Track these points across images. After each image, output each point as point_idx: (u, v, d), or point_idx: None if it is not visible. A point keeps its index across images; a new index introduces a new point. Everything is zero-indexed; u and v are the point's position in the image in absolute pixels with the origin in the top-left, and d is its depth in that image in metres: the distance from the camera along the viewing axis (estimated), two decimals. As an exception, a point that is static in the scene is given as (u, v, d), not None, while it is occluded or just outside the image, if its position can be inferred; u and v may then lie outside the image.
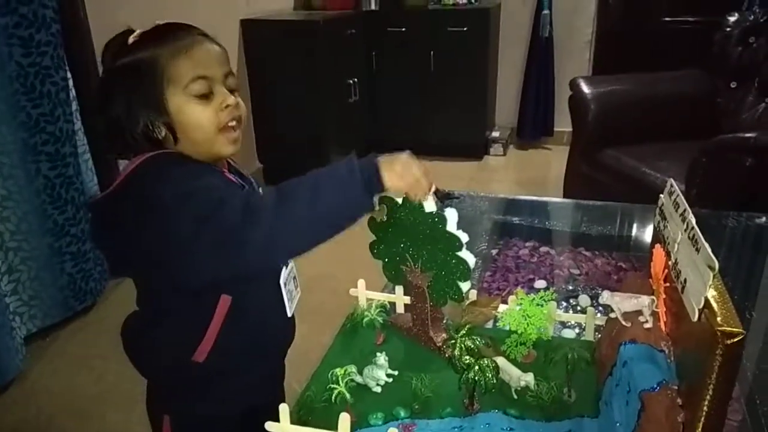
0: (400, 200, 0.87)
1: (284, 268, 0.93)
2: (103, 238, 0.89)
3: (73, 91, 2.02)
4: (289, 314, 0.94)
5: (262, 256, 0.74)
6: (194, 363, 0.85)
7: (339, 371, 0.81)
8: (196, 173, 0.80)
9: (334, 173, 0.76)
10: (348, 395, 0.79)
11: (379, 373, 0.84)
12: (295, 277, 0.97)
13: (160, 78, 0.79)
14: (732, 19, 2.67)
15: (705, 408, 0.57)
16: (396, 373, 0.86)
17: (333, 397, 0.78)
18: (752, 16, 2.66)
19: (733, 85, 2.63)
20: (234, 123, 0.84)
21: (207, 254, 0.73)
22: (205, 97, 0.81)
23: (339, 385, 0.79)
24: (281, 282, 0.91)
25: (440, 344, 0.90)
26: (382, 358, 0.86)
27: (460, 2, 3.75)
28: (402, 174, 0.78)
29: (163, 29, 0.83)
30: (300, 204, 0.73)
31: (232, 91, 0.84)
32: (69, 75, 1.99)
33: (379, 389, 0.84)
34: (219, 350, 0.85)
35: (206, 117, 0.81)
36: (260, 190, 0.94)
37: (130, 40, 0.83)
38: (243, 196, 0.80)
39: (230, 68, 0.86)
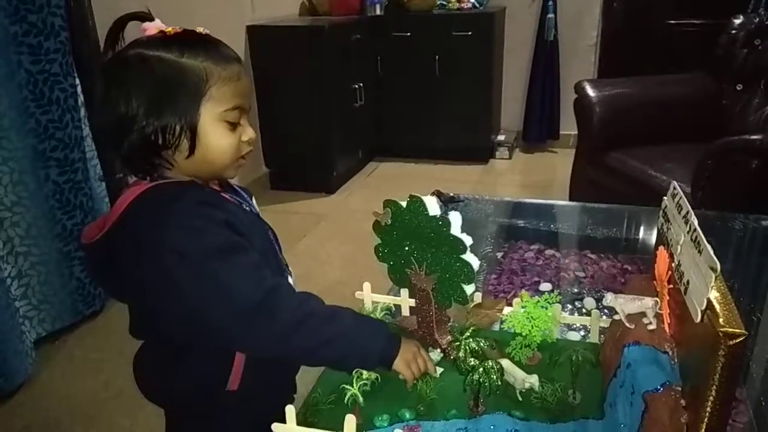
0: (404, 204, 0.87)
1: (289, 277, 0.93)
2: (102, 278, 0.88)
3: (82, 97, 2.04)
4: None
5: (249, 346, 0.80)
6: (230, 392, 0.85)
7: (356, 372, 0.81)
8: (198, 226, 0.76)
9: (360, 331, 0.82)
10: (360, 398, 0.79)
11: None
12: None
13: (203, 92, 0.78)
14: (737, 21, 2.66)
15: (708, 409, 0.58)
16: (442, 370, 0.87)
17: (345, 399, 0.79)
18: (757, 19, 2.65)
19: (738, 87, 2.62)
20: (244, 158, 0.86)
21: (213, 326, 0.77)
22: (233, 126, 0.82)
23: (353, 387, 0.80)
24: None
25: (445, 346, 0.90)
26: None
27: (465, 7, 3.77)
28: (409, 362, 0.83)
29: (214, 43, 0.82)
30: (315, 335, 0.78)
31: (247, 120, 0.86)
32: (77, 81, 2.01)
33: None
34: (249, 376, 0.85)
35: (230, 145, 0.81)
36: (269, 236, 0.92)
37: (169, 30, 0.80)
38: (264, 288, 0.76)
39: None
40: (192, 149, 0.79)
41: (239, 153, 0.84)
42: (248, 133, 0.84)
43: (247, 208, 0.90)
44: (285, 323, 0.77)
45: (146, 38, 0.79)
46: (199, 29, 0.83)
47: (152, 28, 0.80)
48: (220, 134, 0.80)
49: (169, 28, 0.81)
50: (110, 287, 0.91)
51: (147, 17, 0.81)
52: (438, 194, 0.85)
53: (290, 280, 0.93)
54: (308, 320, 0.78)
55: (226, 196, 0.87)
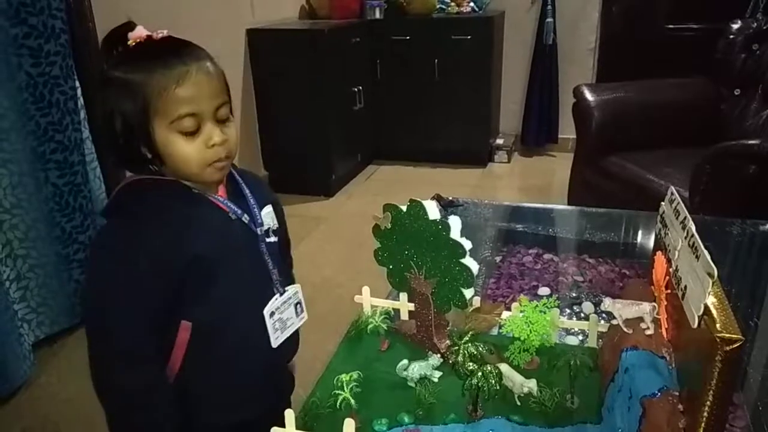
0: (404, 208, 0.88)
1: (277, 295, 0.92)
2: None
3: (81, 100, 2.05)
4: (274, 345, 0.92)
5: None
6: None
7: (344, 377, 0.82)
8: (143, 245, 0.80)
9: None
10: (353, 401, 0.80)
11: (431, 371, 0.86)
12: (298, 303, 0.96)
13: (146, 107, 0.78)
14: (735, 26, 2.68)
15: (705, 413, 0.58)
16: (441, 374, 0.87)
17: (338, 403, 0.79)
18: (755, 24, 2.67)
19: (736, 92, 2.63)
20: (220, 161, 0.83)
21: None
22: (192, 133, 0.80)
23: (344, 391, 0.80)
24: (266, 312, 0.90)
25: (444, 351, 0.90)
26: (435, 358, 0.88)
27: (464, 11, 3.78)
28: None
29: (158, 50, 0.80)
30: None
31: (224, 121, 0.83)
32: (77, 84, 2.02)
33: (413, 384, 0.84)
34: (186, 374, 0.86)
35: (192, 153, 0.80)
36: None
37: (130, 40, 0.81)
38: (126, 349, 0.81)
39: (224, 98, 0.83)
40: (159, 160, 0.82)
41: (206, 159, 0.81)
42: (213, 137, 0.81)
43: (245, 219, 0.88)
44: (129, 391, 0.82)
45: (119, 52, 0.82)
46: (156, 33, 0.82)
47: (135, 36, 0.81)
48: (177, 145, 0.80)
49: (143, 36, 0.81)
50: None
51: (130, 27, 0.82)
52: (438, 198, 0.85)
53: (276, 298, 0.92)
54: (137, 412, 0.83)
55: (219, 204, 0.87)
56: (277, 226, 0.96)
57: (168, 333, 0.85)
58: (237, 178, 0.92)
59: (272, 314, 0.91)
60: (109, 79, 0.80)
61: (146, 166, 0.83)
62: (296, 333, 0.98)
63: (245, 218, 0.89)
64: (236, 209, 0.88)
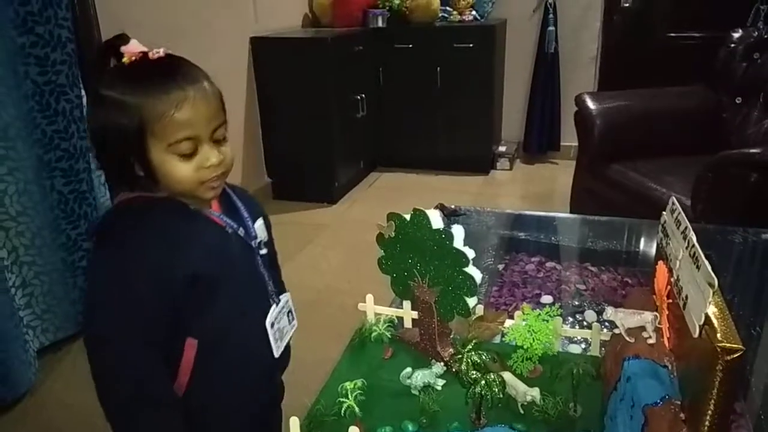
0: (408, 217, 0.89)
1: (274, 305, 0.92)
2: None
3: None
4: (276, 355, 0.92)
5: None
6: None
7: (348, 385, 0.82)
8: (140, 268, 0.79)
9: None
10: (357, 409, 0.80)
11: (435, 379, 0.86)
12: (290, 311, 0.97)
13: (143, 129, 0.77)
14: (736, 35, 2.69)
15: (707, 423, 0.58)
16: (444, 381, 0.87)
17: (342, 411, 0.80)
18: (756, 32, 2.68)
19: (738, 100, 2.64)
20: (215, 180, 0.83)
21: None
22: (189, 155, 0.80)
23: (348, 398, 0.81)
24: (268, 323, 0.91)
25: (447, 359, 0.91)
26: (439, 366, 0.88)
27: (466, 19, 3.80)
28: None
29: (155, 72, 0.79)
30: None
31: (220, 141, 0.83)
32: (83, 93, 2.03)
33: (416, 392, 0.85)
34: (195, 390, 0.85)
35: (187, 174, 0.80)
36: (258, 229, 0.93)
37: (125, 57, 0.79)
38: (136, 377, 0.80)
39: (221, 118, 0.82)
40: (154, 179, 0.81)
41: (200, 180, 0.81)
42: (210, 159, 0.81)
43: (240, 232, 0.89)
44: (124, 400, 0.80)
45: (113, 68, 0.80)
46: (153, 53, 0.80)
47: (130, 51, 0.79)
48: (173, 166, 0.79)
49: (137, 52, 0.79)
50: None
51: (123, 40, 0.80)
52: (441, 208, 0.86)
53: (274, 308, 0.92)
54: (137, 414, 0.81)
55: (215, 218, 0.86)
56: (267, 238, 0.96)
57: (173, 351, 0.84)
58: (228, 192, 0.92)
59: (272, 324, 0.92)
60: (104, 96, 0.78)
61: (138, 184, 0.82)
62: (285, 357, 0.98)
63: (241, 231, 0.89)
64: (232, 223, 0.88)
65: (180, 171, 0.80)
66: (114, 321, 0.79)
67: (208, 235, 0.85)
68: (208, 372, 0.85)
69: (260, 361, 0.92)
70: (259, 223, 0.94)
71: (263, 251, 0.93)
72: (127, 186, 0.83)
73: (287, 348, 0.98)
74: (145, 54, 0.80)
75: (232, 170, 0.86)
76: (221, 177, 0.84)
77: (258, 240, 0.92)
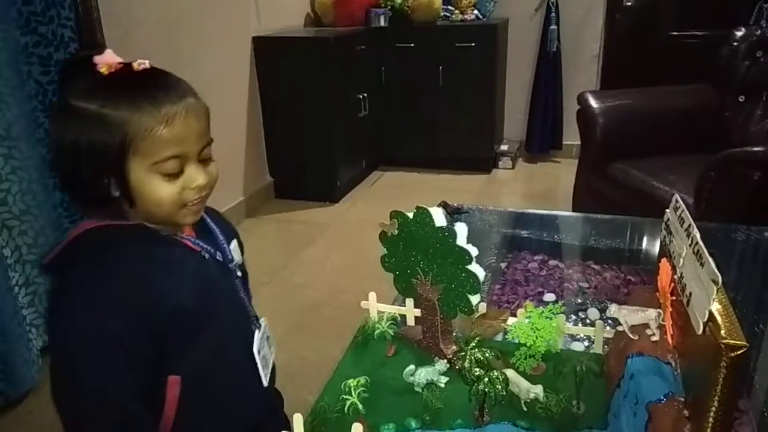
0: (411, 215, 0.89)
1: (257, 331, 0.89)
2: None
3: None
4: (265, 383, 0.89)
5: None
6: None
7: (351, 382, 0.83)
8: (108, 301, 0.71)
9: None
10: (360, 406, 0.80)
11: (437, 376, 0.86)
12: (269, 337, 0.94)
13: (125, 146, 0.70)
14: (739, 33, 2.68)
15: (711, 419, 0.58)
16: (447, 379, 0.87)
17: (346, 408, 0.80)
18: (759, 31, 2.67)
19: (741, 99, 2.64)
20: (198, 203, 0.78)
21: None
22: (174, 175, 0.74)
23: (352, 396, 0.81)
24: (255, 350, 0.87)
25: (450, 356, 0.91)
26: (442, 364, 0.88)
27: (468, 18, 3.80)
28: None
29: (143, 85, 0.73)
30: None
31: (206, 161, 0.78)
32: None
33: (419, 389, 0.85)
34: (182, 424, 0.80)
35: (169, 195, 0.74)
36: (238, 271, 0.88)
37: (101, 66, 0.73)
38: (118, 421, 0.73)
39: (209, 137, 0.77)
40: (130, 201, 0.74)
41: (182, 202, 0.76)
42: (197, 179, 0.75)
43: (218, 257, 0.85)
44: None
45: (89, 79, 0.73)
46: (137, 63, 0.74)
47: (106, 62, 0.73)
48: (155, 186, 0.73)
49: (116, 63, 0.73)
50: None
51: (98, 50, 0.74)
52: (444, 205, 0.86)
53: (257, 334, 0.89)
54: None
55: (190, 244, 0.81)
56: (241, 261, 0.92)
57: (155, 391, 0.77)
58: (202, 215, 0.84)
59: (259, 351, 0.89)
60: (78, 109, 0.71)
61: (108, 206, 0.75)
62: (274, 365, 0.96)
63: (218, 256, 0.84)
64: (208, 247, 0.83)
65: (162, 192, 0.74)
66: (91, 371, 0.71)
67: (186, 264, 0.79)
68: (195, 405, 0.81)
69: (251, 390, 0.89)
70: (234, 245, 0.90)
71: (239, 274, 0.90)
72: (94, 208, 0.76)
73: (273, 371, 0.95)
74: (127, 65, 0.74)
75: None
76: (204, 199, 0.79)
77: (234, 263, 0.88)
